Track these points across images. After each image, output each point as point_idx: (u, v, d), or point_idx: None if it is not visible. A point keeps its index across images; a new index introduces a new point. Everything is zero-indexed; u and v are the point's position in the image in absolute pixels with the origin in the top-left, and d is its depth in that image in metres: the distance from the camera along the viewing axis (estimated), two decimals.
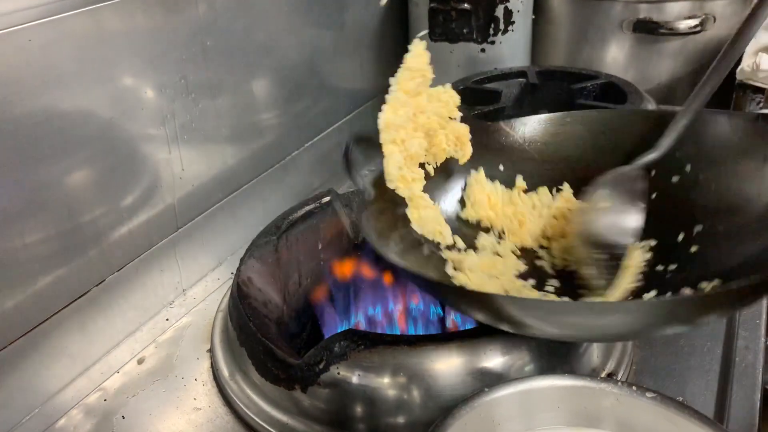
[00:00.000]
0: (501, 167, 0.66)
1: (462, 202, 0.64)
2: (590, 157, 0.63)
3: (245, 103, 0.81)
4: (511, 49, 1.09)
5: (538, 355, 0.54)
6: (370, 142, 0.58)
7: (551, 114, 0.67)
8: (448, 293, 0.53)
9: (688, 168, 0.60)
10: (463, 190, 0.64)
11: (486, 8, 1.04)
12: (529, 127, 0.67)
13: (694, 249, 0.57)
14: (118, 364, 0.66)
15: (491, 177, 0.65)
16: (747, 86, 1.02)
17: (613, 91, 0.96)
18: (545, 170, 0.65)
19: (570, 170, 0.64)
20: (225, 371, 0.61)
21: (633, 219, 0.57)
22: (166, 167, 0.71)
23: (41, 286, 0.59)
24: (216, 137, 0.77)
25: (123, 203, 0.67)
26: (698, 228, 0.57)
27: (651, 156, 0.60)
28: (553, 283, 0.59)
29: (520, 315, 0.46)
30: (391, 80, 0.59)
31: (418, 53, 0.57)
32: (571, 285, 0.58)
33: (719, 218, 0.57)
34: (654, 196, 0.60)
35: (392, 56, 1.14)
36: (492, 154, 0.66)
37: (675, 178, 0.61)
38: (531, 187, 0.66)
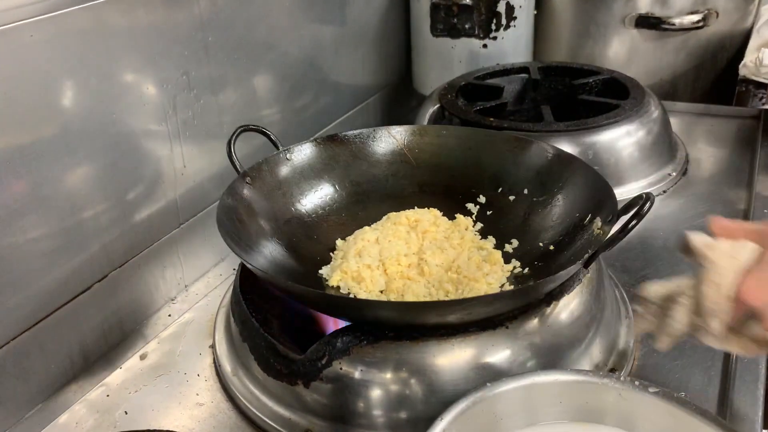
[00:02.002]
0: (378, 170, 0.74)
1: None
2: (458, 168, 0.74)
3: (247, 99, 0.81)
4: (513, 45, 1.08)
5: (540, 350, 0.54)
6: (253, 131, 0.70)
7: (429, 125, 0.81)
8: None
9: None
10: None
11: (488, 4, 1.04)
12: (407, 136, 0.76)
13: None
14: (120, 359, 0.66)
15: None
16: (750, 82, 1.02)
17: (615, 87, 0.96)
18: (415, 174, 0.75)
19: (436, 176, 0.74)
20: (227, 367, 0.61)
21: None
22: (167, 163, 0.71)
23: (43, 281, 0.59)
24: (217, 133, 0.77)
25: (125, 199, 0.67)
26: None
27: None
28: None
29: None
30: None
31: None
32: None
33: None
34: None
35: (394, 52, 1.14)
36: (370, 156, 0.75)
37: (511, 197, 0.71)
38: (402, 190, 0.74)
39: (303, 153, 0.72)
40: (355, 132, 0.75)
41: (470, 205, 0.72)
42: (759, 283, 0.44)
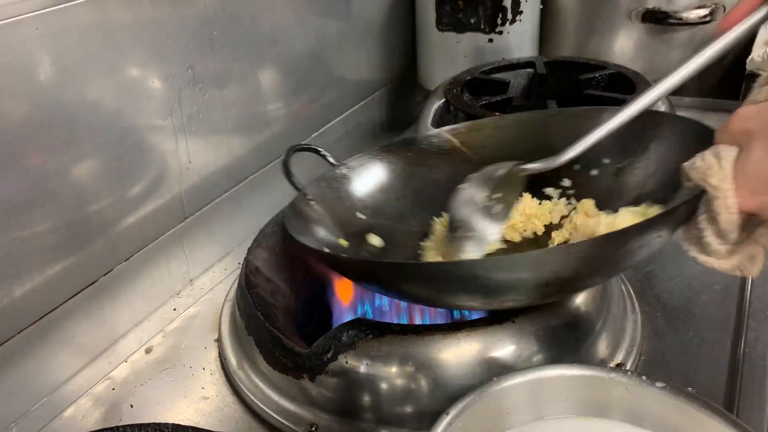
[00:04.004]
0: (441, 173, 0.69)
1: None
2: (525, 157, 0.64)
3: (252, 94, 0.81)
4: (518, 39, 1.08)
5: (546, 344, 0.53)
6: (308, 150, 0.68)
7: (485, 119, 0.72)
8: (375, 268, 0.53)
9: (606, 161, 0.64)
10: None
11: None
12: (465, 134, 0.70)
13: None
14: (125, 353, 0.66)
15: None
16: (757, 76, 1.01)
17: (622, 82, 0.95)
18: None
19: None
20: (233, 360, 0.61)
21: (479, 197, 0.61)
22: (173, 157, 0.71)
23: (49, 275, 0.60)
24: (223, 127, 0.77)
25: (130, 193, 0.67)
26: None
27: (538, 165, 0.61)
28: None
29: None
30: None
31: None
32: None
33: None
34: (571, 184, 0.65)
35: (399, 47, 1.14)
36: (433, 158, 0.70)
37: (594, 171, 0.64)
38: None
39: (359, 166, 0.68)
40: (407, 138, 0.71)
41: (550, 190, 0.66)
42: (746, 188, 0.42)
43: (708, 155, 0.45)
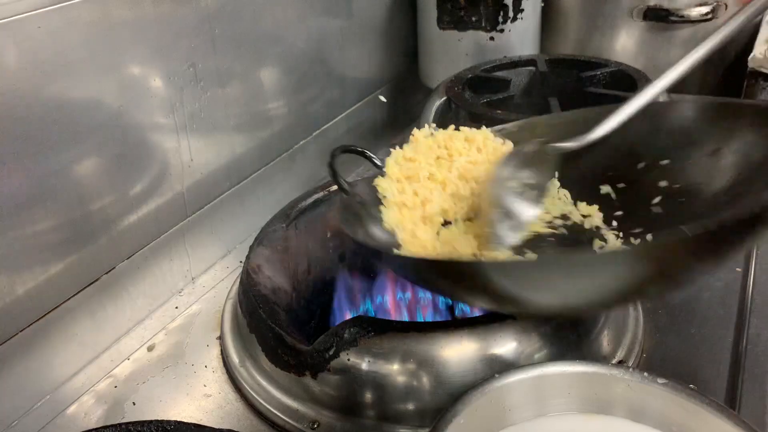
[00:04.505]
0: None
1: None
2: (580, 156, 0.61)
3: (253, 92, 0.81)
4: (520, 38, 1.08)
5: (548, 341, 0.53)
6: (352, 152, 0.62)
7: (533, 118, 0.68)
8: (430, 266, 0.49)
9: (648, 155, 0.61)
10: None
11: None
12: (514, 134, 0.66)
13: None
14: (128, 351, 0.66)
15: None
16: (759, 74, 1.01)
17: (623, 79, 0.95)
18: None
19: (562, 171, 0.62)
20: (235, 358, 0.61)
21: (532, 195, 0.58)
22: (174, 155, 0.71)
23: (51, 273, 0.60)
24: (224, 126, 0.77)
25: (132, 191, 0.67)
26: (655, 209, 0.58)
27: (571, 145, 0.59)
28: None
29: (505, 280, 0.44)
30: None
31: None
32: None
33: (673, 202, 0.58)
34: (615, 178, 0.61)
35: (400, 45, 1.14)
36: None
37: (640, 165, 0.61)
38: None
39: None
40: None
41: (605, 188, 0.61)
42: None
43: None
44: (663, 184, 0.59)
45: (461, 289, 0.49)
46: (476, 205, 0.58)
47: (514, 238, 0.54)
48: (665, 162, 0.60)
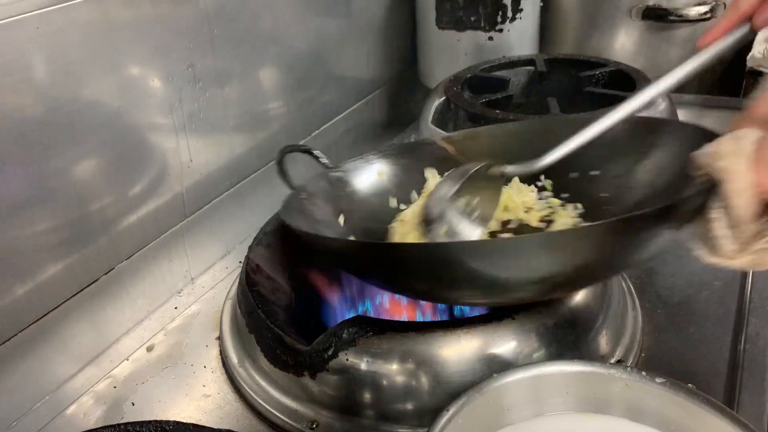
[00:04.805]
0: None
1: None
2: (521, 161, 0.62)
3: (252, 92, 0.81)
4: (519, 37, 1.08)
5: (547, 341, 0.53)
6: (300, 151, 0.68)
7: (480, 128, 0.72)
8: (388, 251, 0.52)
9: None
10: None
11: None
12: (462, 141, 0.69)
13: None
14: (127, 351, 0.67)
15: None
16: (757, 73, 1.01)
17: (622, 79, 0.95)
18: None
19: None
20: (234, 358, 0.61)
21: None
22: (174, 156, 0.71)
23: (51, 274, 0.60)
24: (223, 126, 0.77)
25: (131, 192, 0.67)
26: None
27: (518, 168, 0.60)
28: None
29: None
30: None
31: None
32: None
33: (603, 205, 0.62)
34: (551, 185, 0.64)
35: (399, 45, 1.14)
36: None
37: (573, 174, 0.64)
38: None
39: (353, 170, 0.68)
40: (404, 144, 0.73)
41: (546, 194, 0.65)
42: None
43: (724, 140, 0.43)
44: (592, 192, 0.63)
45: (385, 272, 0.52)
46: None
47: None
48: (595, 173, 0.63)
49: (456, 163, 0.66)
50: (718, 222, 0.44)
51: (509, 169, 0.60)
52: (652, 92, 0.56)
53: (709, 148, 0.44)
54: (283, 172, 0.66)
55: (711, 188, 0.44)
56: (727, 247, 0.44)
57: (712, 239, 0.45)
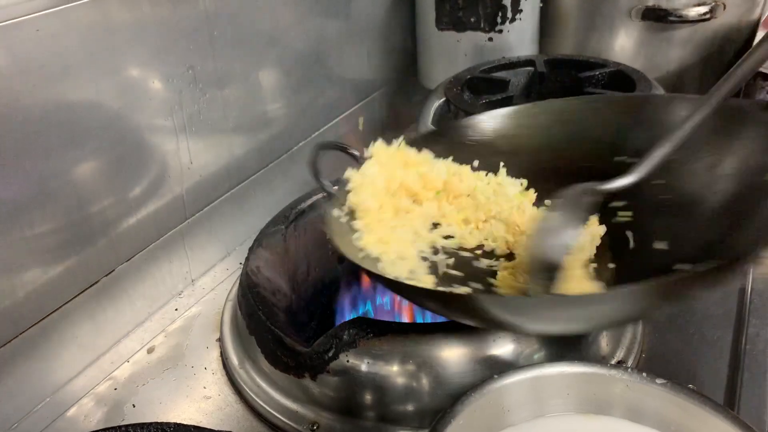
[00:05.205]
0: (475, 163, 0.63)
1: None
2: (562, 146, 0.62)
3: (252, 94, 0.81)
4: (518, 38, 1.08)
5: (547, 342, 0.54)
6: (335, 148, 0.59)
7: (518, 106, 0.66)
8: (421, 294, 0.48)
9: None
10: None
11: None
12: (498, 122, 0.65)
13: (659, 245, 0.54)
14: (128, 353, 0.67)
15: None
16: (757, 74, 1.02)
17: (622, 80, 0.95)
18: (514, 163, 0.63)
19: (540, 161, 0.62)
20: (234, 360, 0.61)
21: (570, 236, 0.54)
22: (174, 158, 0.71)
23: (51, 276, 0.60)
24: (223, 128, 0.77)
25: (131, 194, 0.67)
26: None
27: (622, 182, 0.55)
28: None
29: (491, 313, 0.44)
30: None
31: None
32: None
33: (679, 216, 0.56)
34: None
35: (398, 46, 1.14)
36: (463, 150, 0.63)
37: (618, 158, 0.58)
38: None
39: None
40: (436, 130, 0.66)
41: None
42: None
43: None
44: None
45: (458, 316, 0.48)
46: (511, 246, 0.57)
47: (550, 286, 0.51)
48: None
49: (490, 146, 0.63)
50: None
51: (610, 185, 0.54)
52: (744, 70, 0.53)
53: None
54: (317, 173, 0.58)
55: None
56: None
57: None
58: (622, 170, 0.55)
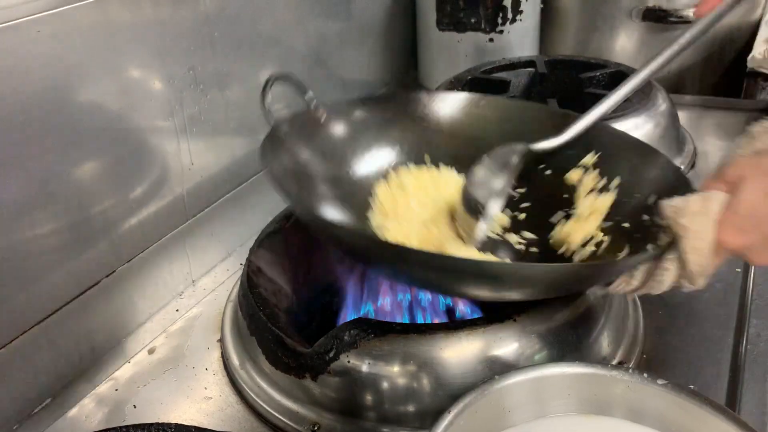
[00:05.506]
0: (411, 138, 0.69)
1: None
2: (494, 140, 0.65)
3: (253, 94, 0.81)
4: (519, 39, 1.08)
5: (548, 342, 0.54)
6: (288, 81, 0.64)
7: (468, 94, 0.72)
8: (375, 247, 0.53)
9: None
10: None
11: None
12: (447, 104, 0.70)
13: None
14: (129, 354, 0.67)
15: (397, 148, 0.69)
16: (758, 74, 1.02)
17: (622, 80, 0.95)
18: (451, 145, 0.68)
19: (473, 148, 0.65)
20: (235, 360, 0.61)
21: (498, 182, 0.61)
22: (174, 158, 0.71)
23: (52, 277, 0.60)
24: (224, 128, 0.77)
25: (132, 194, 0.67)
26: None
27: (548, 144, 0.63)
28: None
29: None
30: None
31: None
32: None
33: None
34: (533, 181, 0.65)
35: (399, 47, 1.14)
36: (408, 123, 0.69)
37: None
38: (434, 161, 0.68)
39: (336, 112, 0.67)
40: (388, 94, 0.73)
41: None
42: (734, 228, 0.45)
43: (694, 198, 0.47)
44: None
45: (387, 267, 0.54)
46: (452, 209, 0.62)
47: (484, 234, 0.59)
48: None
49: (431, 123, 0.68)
50: (668, 271, 0.48)
51: (539, 145, 0.63)
52: (658, 62, 0.62)
53: (677, 203, 0.47)
54: (264, 106, 0.62)
55: (667, 245, 0.47)
56: (665, 286, 0.48)
57: (656, 279, 0.49)
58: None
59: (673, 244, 0.47)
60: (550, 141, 0.63)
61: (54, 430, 0.59)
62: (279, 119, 0.62)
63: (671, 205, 0.47)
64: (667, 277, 0.48)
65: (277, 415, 0.56)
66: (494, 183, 0.61)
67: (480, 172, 0.61)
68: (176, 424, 0.48)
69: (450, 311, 0.66)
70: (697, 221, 0.45)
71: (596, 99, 0.91)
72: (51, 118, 0.57)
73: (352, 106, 0.69)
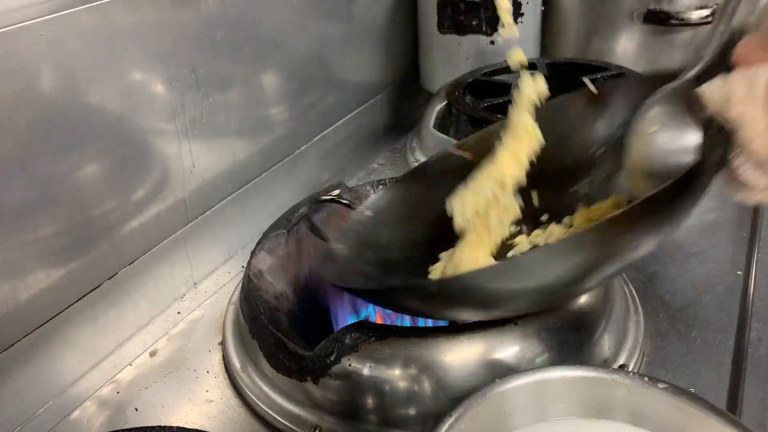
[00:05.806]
0: None
1: None
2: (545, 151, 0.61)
3: (254, 97, 0.82)
4: (520, 41, 1.07)
5: (549, 346, 0.54)
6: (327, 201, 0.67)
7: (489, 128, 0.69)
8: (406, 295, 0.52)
9: None
10: None
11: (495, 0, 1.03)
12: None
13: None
14: (130, 356, 0.67)
15: None
16: None
17: (623, 83, 0.95)
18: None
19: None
20: (237, 363, 0.61)
21: (690, 136, 0.50)
22: (176, 161, 0.71)
23: (54, 279, 0.60)
24: (226, 131, 0.77)
25: (134, 197, 0.67)
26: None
27: (698, 67, 0.52)
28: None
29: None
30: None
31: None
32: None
33: None
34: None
35: (400, 49, 1.14)
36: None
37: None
38: None
39: (379, 203, 0.66)
40: (419, 166, 0.69)
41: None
42: None
43: (734, 81, 0.42)
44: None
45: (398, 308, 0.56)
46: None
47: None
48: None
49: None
50: (742, 166, 0.43)
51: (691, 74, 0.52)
52: None
53: (718, 90, 0.42)
54: (314, 227, 0.64)
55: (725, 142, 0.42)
56: (760, 184, 0.43)
57: (742, 181, 0.44)
58: (598, 163, 0.61)
59: (729, 139, 0.42)
60: (699, 65, 0.52)
61: None
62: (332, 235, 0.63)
63: (714, 96, 0.43)
64: (744, 172, 0.43)
65: (278, 417, 0.56)
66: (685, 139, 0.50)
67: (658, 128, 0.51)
68: (178, 428, 0.48)
69: None
70: (749, 109, 0.41)
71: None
72: (52, 121, 0.58)
73: (389, 192, 0.67)
